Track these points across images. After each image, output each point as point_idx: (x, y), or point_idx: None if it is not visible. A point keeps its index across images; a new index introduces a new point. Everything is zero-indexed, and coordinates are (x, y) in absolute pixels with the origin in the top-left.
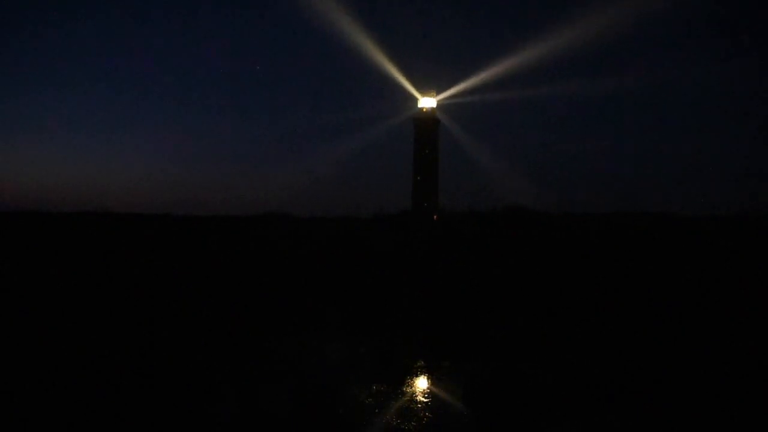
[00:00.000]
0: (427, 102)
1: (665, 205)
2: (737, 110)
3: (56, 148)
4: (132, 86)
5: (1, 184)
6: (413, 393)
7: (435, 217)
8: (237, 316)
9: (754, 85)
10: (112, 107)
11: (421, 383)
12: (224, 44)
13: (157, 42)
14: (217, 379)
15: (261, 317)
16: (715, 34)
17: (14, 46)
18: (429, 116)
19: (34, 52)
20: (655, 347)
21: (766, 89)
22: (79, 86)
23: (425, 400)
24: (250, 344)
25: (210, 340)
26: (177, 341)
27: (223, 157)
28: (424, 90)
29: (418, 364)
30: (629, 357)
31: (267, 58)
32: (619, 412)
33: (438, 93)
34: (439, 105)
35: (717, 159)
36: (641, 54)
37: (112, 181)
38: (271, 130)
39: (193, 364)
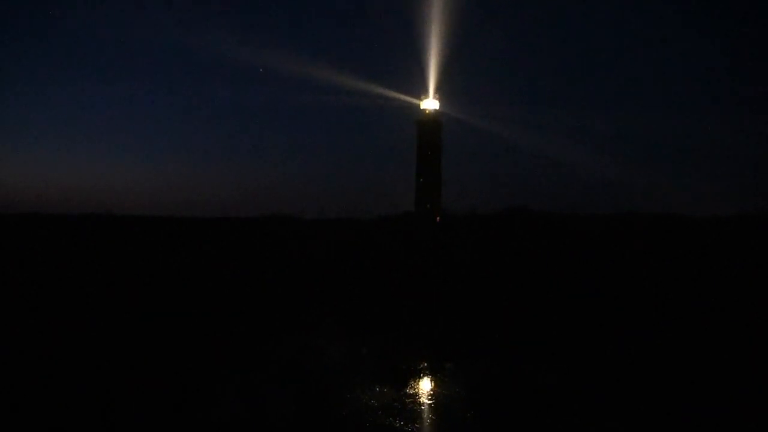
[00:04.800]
0: (429, 104)
1: (669, 206)
2: (740, 109)
3: (58, 150)
4: (135, 88)
5: (3, 185)
6: (416, 395)
7: (437, 218)
8: (240, 316)
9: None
10: (115, 109)
11: (425, 385)
12: (227, 44)
13: (160, 42)
14: (220, 380)
15: (264, 318)
16: (719, 35)
17: (16, 46)
18: (432, 118)
19: (36, 54)
20: (657, 347)
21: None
22: (82, 88)
23: (428, 401)
24: (252, 345)
25: (212, 341)
26: (179, 342)
27: (226, 158)
28: (427, 91)
29: (421, 365)
30: (632, 357)
31: (269, 58)
32: (621, 413)
33: (441, 94)
34: (442, 106)
35: (720, 159)
36: (645, 51)
37: (114, 184)
38: (274, 130)
39: (196, 366)
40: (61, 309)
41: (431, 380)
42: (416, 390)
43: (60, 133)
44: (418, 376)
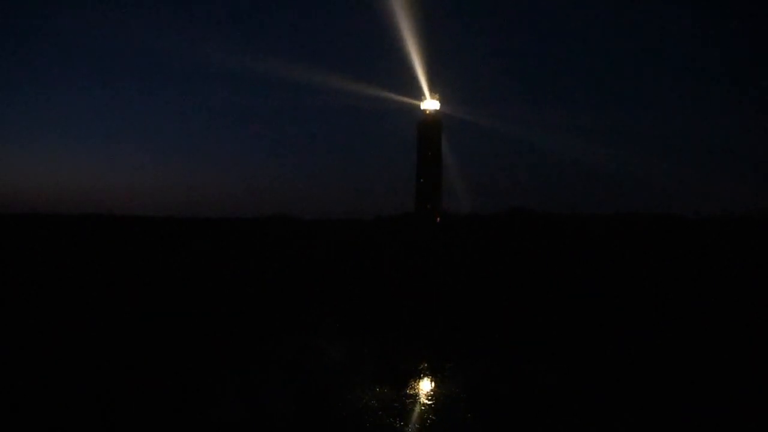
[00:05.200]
0: (430, 104)
1: (670, 206)
2: (741, 110)
3: (59, 150)
4: (135, 88)
5: (5, 186)
6: (417, 395)
7: (437, 219)
8: (241, 316)
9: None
10: (117, 110)
11: (425, 385)
12: (228, 45)
13: (160, 44)
14: (220, 379)
15: (265, 317)
16: (722, 35)
17: (17, 47)
18: (432, 119)
19: (37, 55)
20: (657, 347)
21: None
22: (82, 89)
23: (429, 402)
24: (253, 345)
25: (212, 341)
26: (179, 342)
27: (227, 159)
28: (428, 93)
29: (421, 365)
30: (632, 357)
31: (269, 59)
32: (621, 413)
33: (441, 95)
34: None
35: (722, 160)
36: (645, 51)
37: (115, 184)
38: (275, 131)
39: (196, 366)
40: (62, 308)
41: (431, 380)
42: (416, 390)
43: (61, 133)
44: (418, 377)
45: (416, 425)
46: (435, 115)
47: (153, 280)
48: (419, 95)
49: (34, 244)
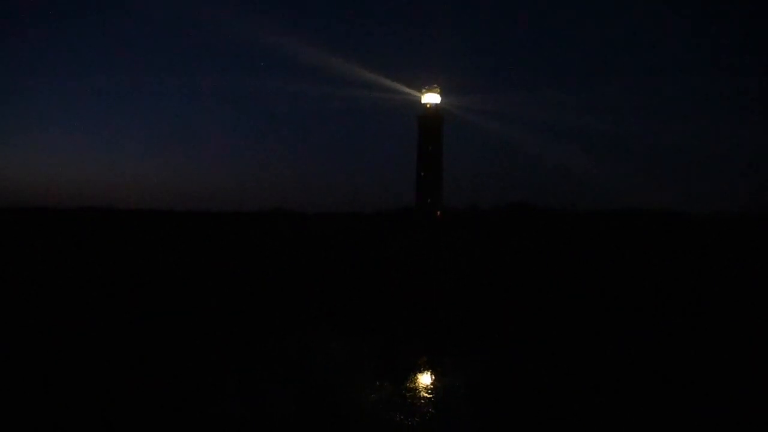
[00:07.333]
0: (431, 98)
1: (670, 203)
2: (740, 109)
3: (58, 144)
4: (135, 83)
5: (5, 180)
6: (416, 389)
7: (438, 214)
8: (242, 311)
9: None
10: (116, 104)
11: (424, 379)
12: (226, 43)
13: (158, 39)
14: (222, 376)
15: (266, 313)
16: (720, 35)
17: (17, 45)
18: (433, 112)
19: (36, 51)
20: (657, 347)
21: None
22: (82, 83)
23: (428, 395)
24: (255, 340)
25: (214, 337)
26: (181, 338)
27: (227, 153)
28: (429, 86)
29: (421, 360)
30: (632, 357)
31: (269, 56)
32: (621, 412)
33: (443, 88)
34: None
35: (721, 157)
36: (647, 50)
37: (115, 178)
38: (275, 126)
39: (197, 362)
40: (61, 304)
41: (431, 377)
42: (416, 384)
43: (60, 128)
44: (418, 371)
45: (416, 418)
46: (436, 108)
47: (153, 277)
48: (420, 87)
49: (33, 238)
